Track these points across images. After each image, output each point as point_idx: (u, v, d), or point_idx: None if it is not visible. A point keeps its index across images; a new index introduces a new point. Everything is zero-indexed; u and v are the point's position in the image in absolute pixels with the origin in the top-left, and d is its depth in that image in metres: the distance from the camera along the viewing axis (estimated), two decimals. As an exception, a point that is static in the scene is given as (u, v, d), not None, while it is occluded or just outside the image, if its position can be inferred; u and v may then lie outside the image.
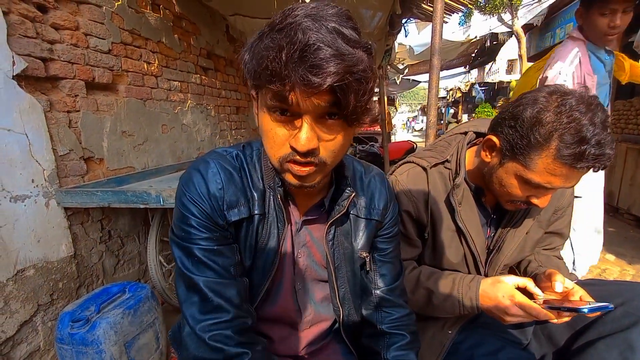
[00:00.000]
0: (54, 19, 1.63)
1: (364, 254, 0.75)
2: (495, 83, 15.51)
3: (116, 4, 2.00)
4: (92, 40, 1.84)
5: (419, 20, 4.30)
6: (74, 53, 1.72)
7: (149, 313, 1.50)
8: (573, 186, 0.78)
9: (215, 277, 0.61)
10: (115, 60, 2.00)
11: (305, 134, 0.50)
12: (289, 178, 0.57)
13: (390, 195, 0.78)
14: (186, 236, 0.62)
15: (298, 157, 0.53)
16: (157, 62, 2.36)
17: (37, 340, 1.54)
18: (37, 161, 1.53)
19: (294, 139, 0.51)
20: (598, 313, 0.73)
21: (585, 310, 0.68)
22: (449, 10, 2.72)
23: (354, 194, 0.70)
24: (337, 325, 0.78)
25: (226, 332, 0.60)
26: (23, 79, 1.48)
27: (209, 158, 0.65)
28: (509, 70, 20.39)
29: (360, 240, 0.75)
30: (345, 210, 0.70)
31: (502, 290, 0.79)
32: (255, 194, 0.65)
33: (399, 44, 7.29)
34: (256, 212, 0.65)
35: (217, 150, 0.68)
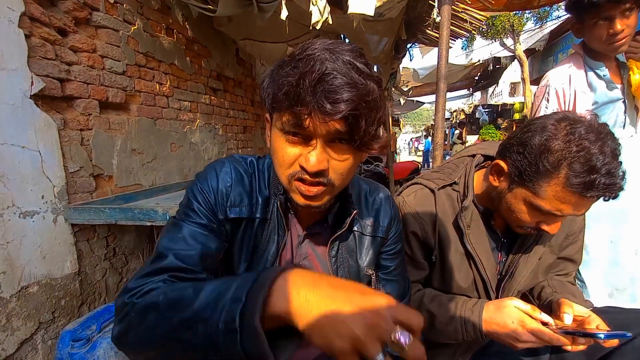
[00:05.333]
0: (73, 42, 1.71)
1: (370, 271, 0.75)
2: (498, 105, 15.66)
3: (132, 28, 2.09)
4: (107, 62, 1.91)
5: (422, 45, 4.42)
6: (90, 74, 1.78)
7: (150, 333, 1.47)
8: (583, 214, 0.77)
9: (185, 250, 0.59)
10: (129, 81, 2.06)
11: (316, 156, 0.53)
12: (297, 198, 0.59)
13: (395, 212, 0.80)
14: (184, 217, 0.64)
15: (307, 176, 0.55)
16: (168, 83, 2.44)
17: (37, 359, 1.51)
18: (48, 177, 1.56)
19: (304, 159, 0.54)
20: (616, 341, 0.70)
21: (602, 336, 0.66)
22: (453, 35, 2.79)
23: (355, 212, 0.72)
24: None
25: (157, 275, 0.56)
26: (40, 98, 1.53)
27: (226, 159, 0.70)
28: (512, 92, 20.65)
29: (366, 257, 0.75)
30: (347, 227, 0.71)
31: (511, 316, 0.76)
32: (260, 199, 0.68)
33: (404, 67, 7.47)
34: (258, 215, 0.67)
35: (234, 155, 0.73)
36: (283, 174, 0.58)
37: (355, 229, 0.74)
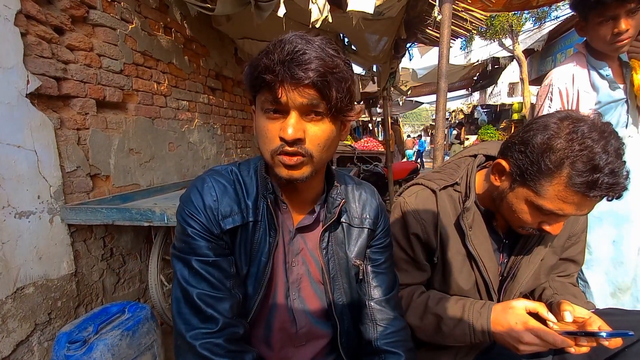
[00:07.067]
0: (69, 40, 1.69)
1: (358, 262, 0.77)
2: (497, 105, 15.68)
3: (130, 27, 2.07)
4: (105, 61, 1.89)
5: (421, 45, 4.41)
6: (87, 73, 1.77)
7: (147, 335, 1.46)
8: (586, 214, 0.76)
9: (209, 290, 0.64)
10: (126, 80, 2.04)
11: (291, 125, 0.57)
12: (280, 171, 0.62)
13: (381, 207, 0.82)
14: (185, 247, 0.66)
15: (287, 147, 0.59)
16: (166, 82, 2.42)
17: (32, 361, 1.49)
18: (44, 177, 1.54)
19: (282, 131, 0.58)
20: (619, 341, 0.69)
21: (604, 334, 0.66)
22: (453, 35, 2.78)
23: (344, 201, 0.75)
24: (335, 344, 0.76)
25: (216, 340, 0.61)
26: (36, 97, 1.52)
27: (206, 175, 0.71)
28: (511, 92, 20.67)
29: (354, 247, 0.77)
30: (336, 216, 0.73)
31: (515, 317, 0.75)
32: (249, 203, 0.69)
33: (402, 67, 7.45)
34: (250, 219, 0.69)
35: (214, 168, 0.74)
36: (267, 151, 0.61)
37: (343, 220, 0.76)
